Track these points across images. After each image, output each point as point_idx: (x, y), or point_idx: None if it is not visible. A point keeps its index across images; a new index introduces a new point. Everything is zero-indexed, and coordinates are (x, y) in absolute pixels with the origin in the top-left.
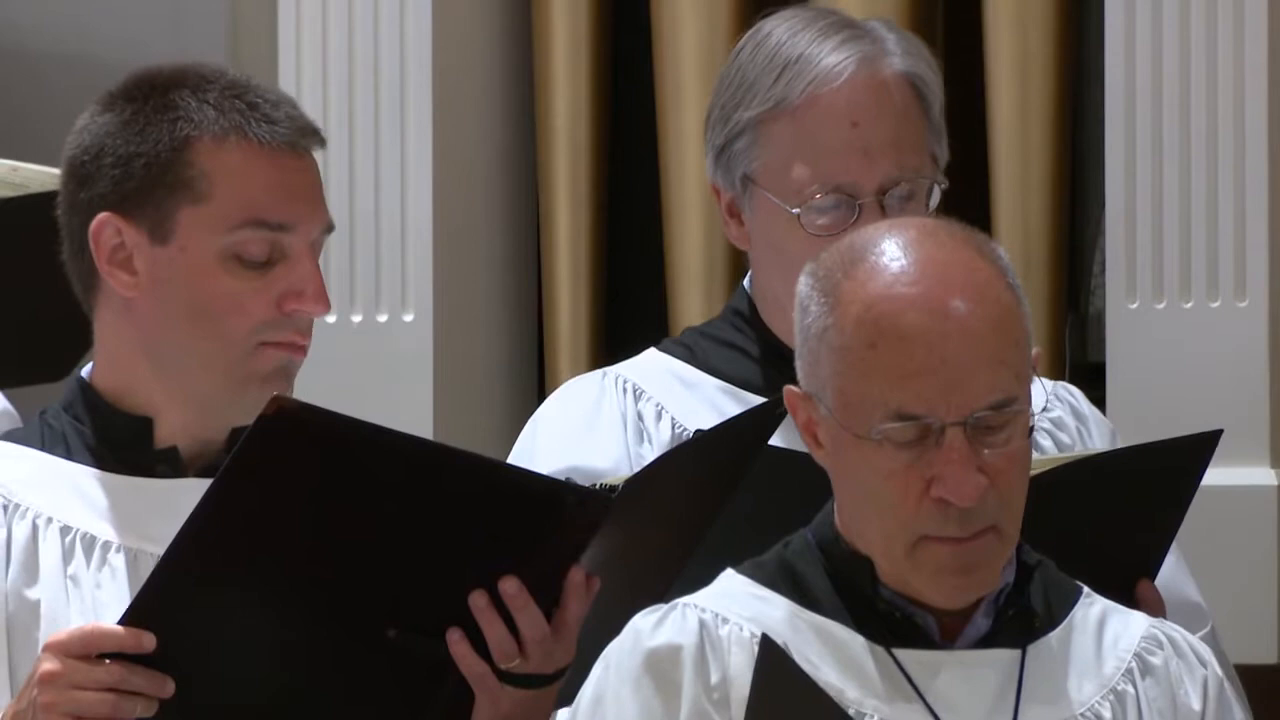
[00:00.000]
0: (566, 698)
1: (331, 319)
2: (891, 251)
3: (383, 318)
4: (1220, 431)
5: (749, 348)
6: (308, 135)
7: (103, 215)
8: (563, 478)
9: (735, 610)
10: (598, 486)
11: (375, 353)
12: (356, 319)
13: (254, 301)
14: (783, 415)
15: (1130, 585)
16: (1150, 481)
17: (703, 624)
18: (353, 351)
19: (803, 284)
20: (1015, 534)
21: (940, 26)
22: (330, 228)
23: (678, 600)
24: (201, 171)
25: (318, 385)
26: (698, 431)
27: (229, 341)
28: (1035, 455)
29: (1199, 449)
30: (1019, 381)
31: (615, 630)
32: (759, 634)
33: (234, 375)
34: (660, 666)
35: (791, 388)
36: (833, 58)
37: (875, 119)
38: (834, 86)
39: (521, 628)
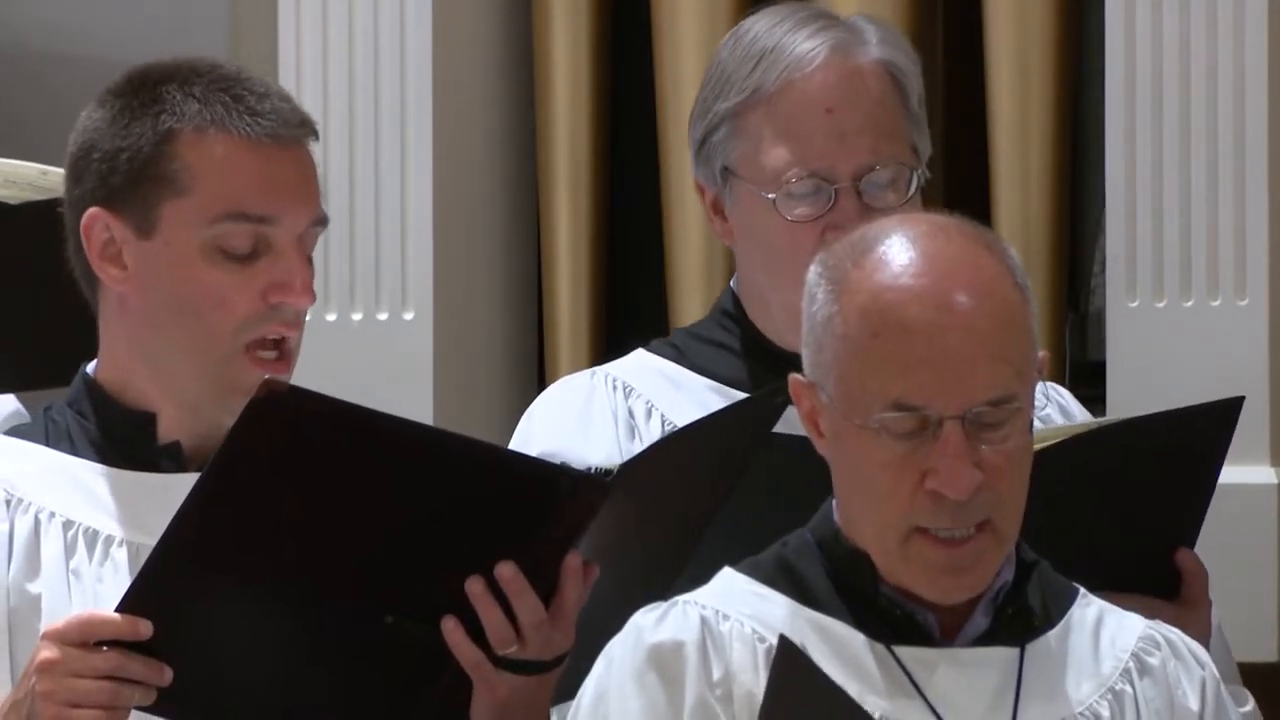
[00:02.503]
0: (564, 692)
1: (331, 318)
2: (900, 244)
3: (383, 316)
4: (1243, 398)
5: (735, 346)
6: (294, 127)
7: (92, 210)
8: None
9: (736, 607)
10: (593, 471)
11: (375, 352)
12: (356, 318)
13: (238, 295)
14: (784, 405)
15: (1168, 555)
16: (1177, 449)
17: (704, 620)
18: (353, 351)
19: (812, 272)
20: (1013, 533)
21: (940, 26)
22: (322, 220)
23: (677, 598)
24: (184, 164)
25: (317, 384)
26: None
27: (214, 337)
28: (1052, 425)
29: (1223, 414)
30: (1021, 380)
31: (618, 621)
32: (761, 631)
33: (220, 377)
34: (664, 661)
35: (796, 376)
36: (807, 44)
37: (850, 104)
38: (807, 72)
39: (519, 613)
